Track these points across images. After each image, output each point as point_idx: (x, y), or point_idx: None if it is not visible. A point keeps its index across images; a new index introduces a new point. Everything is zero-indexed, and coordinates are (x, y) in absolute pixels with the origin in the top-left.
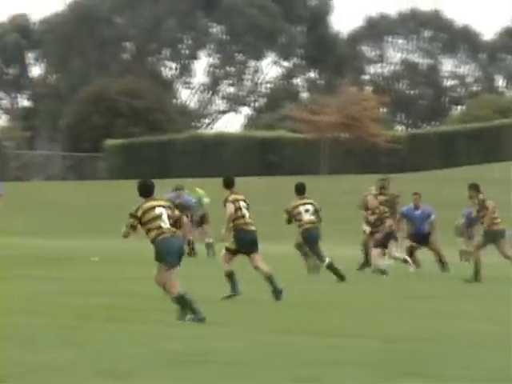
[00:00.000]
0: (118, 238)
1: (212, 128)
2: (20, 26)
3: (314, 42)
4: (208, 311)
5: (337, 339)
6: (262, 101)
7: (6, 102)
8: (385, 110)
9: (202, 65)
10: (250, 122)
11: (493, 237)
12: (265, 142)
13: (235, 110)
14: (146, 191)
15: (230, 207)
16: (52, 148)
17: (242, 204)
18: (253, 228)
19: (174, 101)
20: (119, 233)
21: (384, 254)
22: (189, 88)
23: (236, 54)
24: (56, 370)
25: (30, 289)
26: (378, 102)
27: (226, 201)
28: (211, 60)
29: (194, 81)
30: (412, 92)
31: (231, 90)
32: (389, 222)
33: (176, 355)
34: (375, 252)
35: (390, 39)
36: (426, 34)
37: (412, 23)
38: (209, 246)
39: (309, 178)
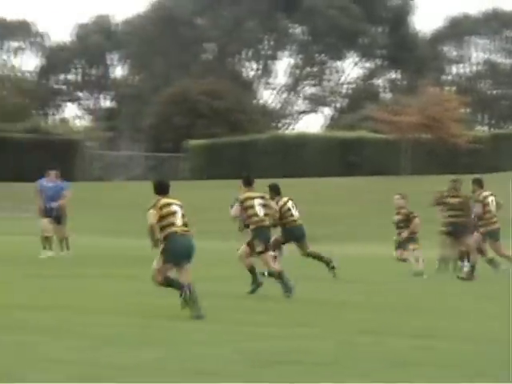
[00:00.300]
0: (201, 238)
1: (293, 129)
2: (103, 28)
3: (396, 42)
4: (292, 312)
5: (426, 340)
6: (343, 101)
7: (88, 103)
8: (467, 110)
9: (282, 65)
10: (332, 123)
11: (495, 235)
12: (346, 143)
13: (315, 111)
14: (163, 189)
15: (235, 209)
16: (134, 148)
17: (257, 202)
18: (267, 224)
19: (255, 101)
20: (201, 233)
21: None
22: (269, 88)
23: (317, 55)
24: (141, 370)
25: (110, 288)
26: (460, 102)
27: (235, 200)
28: (292, 61)
29: (274, 81)
30: (494, 92)
31: (312, 90)
32: (417, 221)
33: (262, 355)
34: (399, 252)
35: (472, 39)
36: (509, 33)
37: (494, 23)
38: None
39: (390, 178)
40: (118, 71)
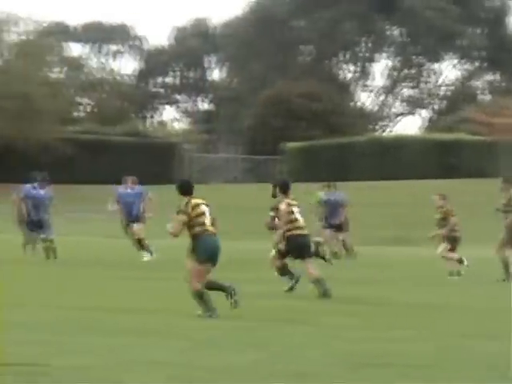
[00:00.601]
0: None
1: (391, 131)
2: (200, 30)
3: (494, 43)
4: (385, 314)
5: None
6: (441, 103)
7: (186, 105)
8: None
9: (380, 67)
10: (430, 125)
11: None
12: (444, 145)
13: (413, 113)
14: (188, 190)
15: (284, 213)
16: (232, 151)
17: (296, 209)
18: (305, 232)
19: (352, 104)
20: None
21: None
22: (367, 91)
23: (414, 57)
24: (238, 371)
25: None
26: None
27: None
28: (390, 62)
29: (372, 83)
30: None
31: (410, 92)
32: (453, 220)
33: (356, 357)
34: (441, 248)
35: None
36: None
37: None
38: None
39: (488, 181)
40: (216, 74)
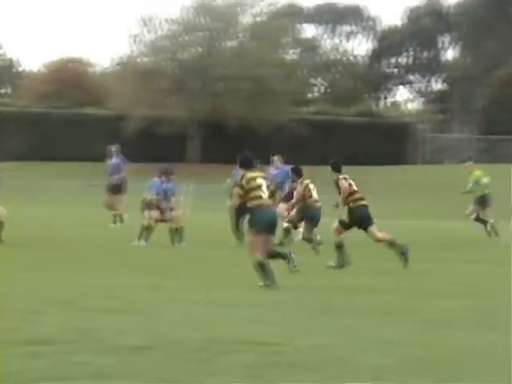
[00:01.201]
0: None
1: None
2: (434, 10)
3: None
4: None
5: None
6: None
7: (420, 86)
8: None
9: None
10: None
11: None
12: None
13: None
14: (247, 163)
15: (344, 184)
16: (466, 131)
17: (352, 182)
18: (364, 203)
19: None
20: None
21: None
22: None
23: None
24: (473, 353)
25: (453, 271)
26: None
27: (337, 180)
28: None
29: None
30: None
31: None
32: None
33: None
34: None
35: None
36: None
37: None
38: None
39: None
40: (450, 53)
